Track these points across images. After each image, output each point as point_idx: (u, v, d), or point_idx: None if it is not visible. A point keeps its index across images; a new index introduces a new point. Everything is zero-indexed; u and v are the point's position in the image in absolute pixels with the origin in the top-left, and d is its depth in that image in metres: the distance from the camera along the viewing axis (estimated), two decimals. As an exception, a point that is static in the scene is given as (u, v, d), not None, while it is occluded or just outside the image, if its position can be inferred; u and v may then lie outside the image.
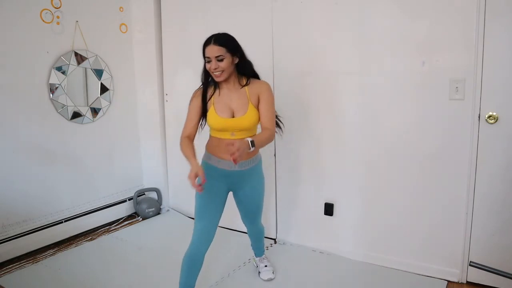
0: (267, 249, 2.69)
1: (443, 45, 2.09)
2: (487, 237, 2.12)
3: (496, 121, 2.01)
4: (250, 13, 2.68)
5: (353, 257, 2.51)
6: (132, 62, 3.32)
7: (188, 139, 1.89)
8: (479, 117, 2.05)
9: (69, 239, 2.88)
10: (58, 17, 2.71)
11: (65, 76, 2.78)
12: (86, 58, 2.91)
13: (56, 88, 2.74)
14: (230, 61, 1.83)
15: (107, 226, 3.13)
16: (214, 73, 1.83)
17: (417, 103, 2.20)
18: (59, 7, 2.71)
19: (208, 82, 1.93)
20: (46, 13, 2.65)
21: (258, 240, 2.33)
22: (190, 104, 1.94)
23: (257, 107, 1.90)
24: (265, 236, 2.83)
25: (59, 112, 2.78)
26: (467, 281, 2.20)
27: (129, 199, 3.35)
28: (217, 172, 1.92)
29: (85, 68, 2.92)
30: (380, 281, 2.26)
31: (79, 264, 2.50)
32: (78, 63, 2.86)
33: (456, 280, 2.22)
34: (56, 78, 2.73)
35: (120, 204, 3.28)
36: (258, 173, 2.05)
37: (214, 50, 1.78)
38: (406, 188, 2.30)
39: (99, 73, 3.01)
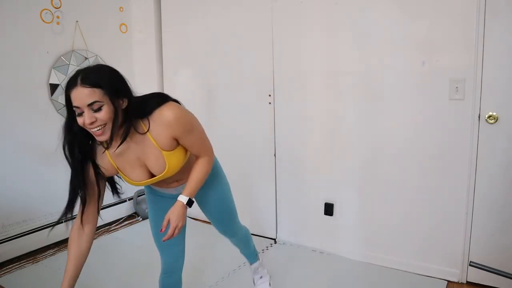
0: (266, 249, 2.69)
1: (443, 45, 2.08)
2: (487, 237, 2.12)
3: (496, 121, 2.01)
4: (250, 13, 2.68)
5: (353, 257, 2.51)
6: (132, 62, 3.32)
7: (80, 231, 1.50)
8: (479, 117, 2.05)
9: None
10: (58, 17, 2.71)
11: (65, 76, 2.77)
12: (86, 58, 2.91)
13: (56, 88, 2.74)
14: (112, 109, 1.20)
15: (107, 226, 3.13)
16: (92, 130, 1.20)
17: (417, 103, 2.20)
18: (59, 7, 2.71)
19: (75, 144, 1.33)
20: (46, 13, 2.65)
21: (246, 246, 2.02)
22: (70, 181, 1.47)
23: (175, 146, 1.37)
24: (265, 236, 2.85)
25: (59, 112, 2.78)
26: (467, 281, 2.20)
27: (129, 199, 3.35)
28: (162, 194, 1.60)
29: (85, 68, 2.92)
30: (380, 281, 2.26)
31: (79, 264, 2.50)
32: (78, 63, 2.86)
33: (456, 280, 2.22)
34: (56, 78, 2.73)
35: (120, 204, 3.28)
36: (214, 178, 1.64)
37: (85, 95, 1.15)
38: (406, 188, 2.30)
39: (99, 73, 3.01)
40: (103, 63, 3.03)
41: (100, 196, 1.43)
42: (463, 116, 2.09)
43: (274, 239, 2.83)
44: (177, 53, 3.17)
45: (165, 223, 1.35)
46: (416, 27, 2.14)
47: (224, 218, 1.76)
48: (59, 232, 2.83)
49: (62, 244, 2.81)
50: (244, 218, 2.04)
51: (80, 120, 1.20)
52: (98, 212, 1.47)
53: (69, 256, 1.44)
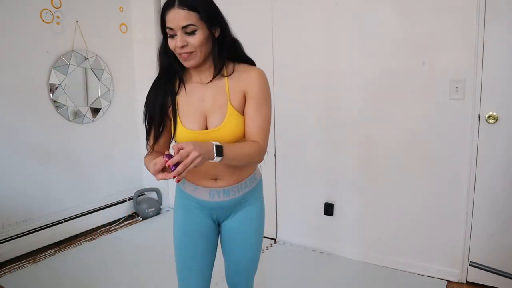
0: (266, 249, 2.69)
1: (443, 45, 2.09)
2: (487, 237, 2.12)
3: (496, 121, 2.01)
4: (250, 13, 2.68)
5: (353, 257, 2.51)
6: (132, 62, 3.32)
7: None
8: (479, 117, 2.05)
9: (69, 239, 2.88)
10: (58, 17, 2.71)
11: (65, 76, 2.78)
12: (86, 58, 2.91)
13: (56, 88, 2.74)
14: (206, 36, 1.16)
15: (107, 226, 3.13)
16: (181, 55, 1.17)
17: (417, 103, 2.20)
18: (59, 7, 2.71)
19: (170, 70, 1.26)
20: (46, 13, 2.65)
21: None
22: (145, 106, 1.30)
23: (242, 110, 1.24)
24: (265, 236, 2.83)
25: (59, 112, 2.78)
26: (467, 281, 2.20)
27: (129, 199, 3.35)
28: (194, 202, 1.32)
29: (85, 68, 2.92)
30: (380, 281, 2.26)
31: (79, 264, 2.50)
32: (78, 63, 2.86)
33: (456, 280, 2.22)
34: (56, 78, 2.73)
35: (120, 204, 3.28)
36: (255, 200, 1.38)
37: (181, 17, 1.12)
38: (406, 188, 2.30)
39: (99, 73, 3.01)
40: (103, 63, 3.03)
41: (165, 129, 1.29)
42: (463, 116, 2.09)
43: (274, 239, 2.83)
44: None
45: (175, 149, 1.03)
46: (416, 27, 2.14)
47: (246, 268, 1.41)
48: (59, 232, 2.83)
49: (62, 244, 2.81)
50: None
51: (171, 43, 1.17)
52: (169, 144, 1.32)
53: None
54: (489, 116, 2.02)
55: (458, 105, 2.09)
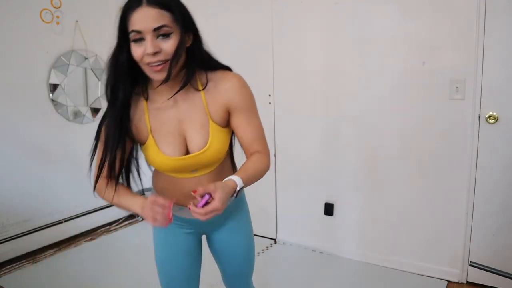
0: (266, 249, 2.69)
1: (443, 45, 2.08)
2: (487, 237, 2.11)
3: (496, 121, 2.01)
4: (250, 14, 2.68)
5: (353, 257, 2.50)
6: (132, 62, 3.31)
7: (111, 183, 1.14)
8: (479, 117, 2.05)
9: (69, 239, 2.88)
10: (58, 17, 2.71)
11: (65, 76, 2.77)
12: (86, 58, 2.90)
13: (56, 88, 2.74)
14: (179, 41, 0.97)
15: (107, 226, 3.13)
16: (151, 65, 0.97)
17: (417, 103, 2.20)
18: (59, 7, 2.71)
19: (128, 87, 1.05)
20: (46, 13, 2.65)
21: None
22: (102, 128, 1.12)
23: (225, 123, 1.11)
24: (265, 236, 2.84)
25: (59, 112, 2.78)
26: (467, 281, 2.20)
27: (129, 199, 3.35)
28: (176, 222, 1.20)
29: (85, 68, 2.92)
30: (380, 281, 2.26)
31: (79, 264, 2.50)
32: (78, 63, 2.86)
33: (456, 280, 2.21)
34: (56, 78, 2.73)
35: (120, 204, 3.28)
36: (240, 207, 1.28)
37: (151, 17, 0.94)
38: (406, 188, 2.30)
39: (99, 73, 3.01)
40: (103, 63, 3.03)
41: (124, 160, 1.14)
42: (463, 116, 2.09)
43: (274, 239, 2.83)
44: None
45: (201, 191, 0.94)
46: (416, 27, 2.14)
47: (243, 272, 1.34)
48: (59, 232, 2.83)
49: (62, 244, 2.81)
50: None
51: (137, 50, 0.96)
52: (118, 177, 1.15)
53: (116, 192, 1.14)
54: (489, 116, 2.02)
55: (458, 105, 2.08)
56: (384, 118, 2.31)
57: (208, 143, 1.07)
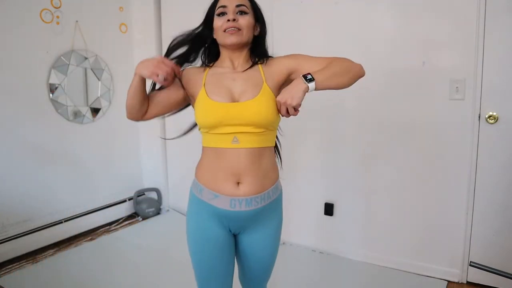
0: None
1: (443, 45, 2.09)
2: (487, 237, 2.12)
3: (496, 121, 2.01)
4: (250, 13, 2.68)
5: (353, 257, 2.51)
6: (132, 62, 3.31)
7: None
8: (479, 117, 2.05)
9: (69, 239, 2.88)
10: (58, 17, 2.71)
11: (65, 76, 2.77)
12: (86, 58, 2.91)
13: (56, 88, 2.74)
14: (252, 23, 1.26)
15: (107, 226, 3.12)
16: (228, 29, 1.21)
17: (417, 103, 2.20)
18: (59, 7, 2.71)
19: (206, 57, 1.33)
20: (46, 13, 2.65)
21: None
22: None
23: (277, 91, 1.23)
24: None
25: (59, 112, 2.78)
26: (467, 281, 2.20)
27: (129, 199, 3.35)
28: (211, 211, 1.22)
29: (85, 68, 2.92)
30: (380, 281, 2.26)
31: (79, 264, 2.50)
32: (78, 63, 2.86)
33: (456, 280, 2.22)
34: (56, 78, 2.73)
35: (120, 204, 3.28)
36: (276, 213, 1.30)
37: None
38: (406, 188, 2.30)
39: (99, 73, 3.01)
40: (103, 63, 3.03)
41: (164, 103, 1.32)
42: (463, 116, 2.09)
43: (274, 239, 2.83)
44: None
45: (277, 105, 1.15)
46: (416, 27, 2.14)
47: (261, 277, 1.36)
48: (59, 232, 2.83)
49: (62, 244, 2.81)
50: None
51: (220, 21, 1.22)
52: (156, 115, 1.37)
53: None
54: (489, 116, 2.02)
55: (458, 105, 2.09)
56: (384, 118, 2.31)
57: (257, 96, 1.18)
